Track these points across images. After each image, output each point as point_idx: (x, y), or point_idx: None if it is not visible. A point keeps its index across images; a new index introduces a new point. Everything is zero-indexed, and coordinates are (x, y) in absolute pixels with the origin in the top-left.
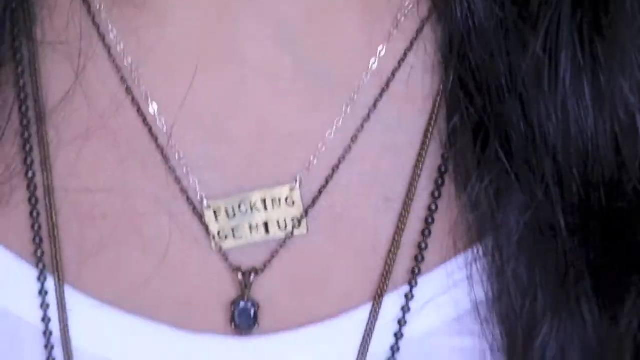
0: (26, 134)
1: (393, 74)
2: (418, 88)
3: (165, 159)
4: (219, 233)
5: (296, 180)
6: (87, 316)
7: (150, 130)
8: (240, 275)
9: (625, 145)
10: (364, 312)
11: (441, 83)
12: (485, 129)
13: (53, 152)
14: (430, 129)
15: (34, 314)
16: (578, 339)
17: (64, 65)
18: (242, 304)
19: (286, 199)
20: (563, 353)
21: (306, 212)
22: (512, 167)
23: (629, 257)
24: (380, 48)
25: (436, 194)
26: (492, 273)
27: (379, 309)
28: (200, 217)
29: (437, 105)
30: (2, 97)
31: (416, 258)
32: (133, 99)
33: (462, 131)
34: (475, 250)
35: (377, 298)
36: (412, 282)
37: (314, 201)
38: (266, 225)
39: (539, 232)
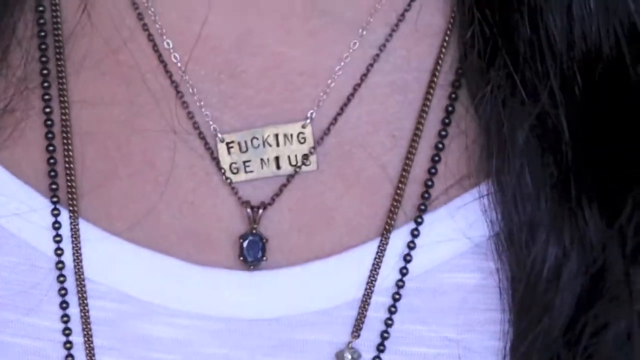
0: (44, 57)
1: (402, 13)
2: (427, 26)
3: (179, 93)
4: (230, 166)
5: (307, 117)
6: (99, 248)
7: (165, 65)
8: (249, 210)
9: (628, 50)
10: (371, 247)
11: (450, 18)
12: (493, 42)
13: (68, 84)
14: (438, 67)
15: (48, 246)
16: (578, 243)
17: None
18: (250, 237)
19: (298, 136)
20: (564, 257)
21: (315, 148)
22: (517, 74)
23: (628, 164)
24: None
25: (443, 132)
26: (500, 198)
27: (386, 244)
28: (212, 152)
29: (445, 43)
30: (21, 24)
31: (422, 195)
32: (149, 35)
33: (472, 54)
34: (483, 188)
35: (385, 234)
36: (417, 219)
37: (323, 138)
38: (277, 160)
39: (543, 137)
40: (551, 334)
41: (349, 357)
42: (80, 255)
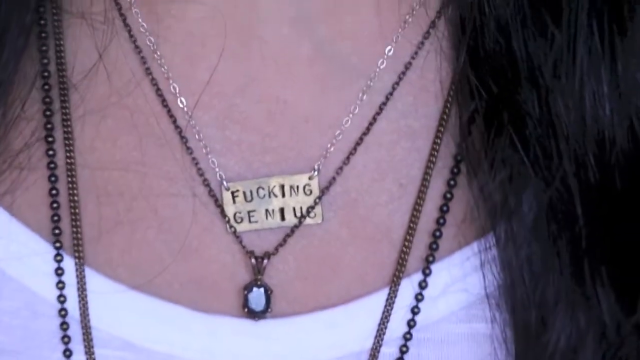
0: (48, 112)
1: (409, 60)
2: (433, 74)
3: (184, 139)
4: (234, 215)
5: (314, 169)
6: (102, 295)
7: (169, 110)
8: (253, 260)
9: None
10: (377, 298)
11: (457, 69)
12: (498, 116)
13: (73, 131)
14: (445, 116)
15: (50, 292)
16: (594, 328)
17: (87, 42)
18: (254, 289)
19: (304, 187)
20: (578, 342)
21: (321, 197)
22: (526, 154)
23: None
24: (395, 34)
25: (452, 182)
26: (505, 261)
27: (395, 295)
28: (216, 200)
29: (452, 91)
30: (26, 69)
31: (430, 246)
32: (152, 79)
33: (476, 119)
34: (489, 239)
35: (393, 284)
36: (425, 271)
37: (328, 187)
38: (282, 211)
39: (554, 219)
40: None
41: None
42: (87, 303)
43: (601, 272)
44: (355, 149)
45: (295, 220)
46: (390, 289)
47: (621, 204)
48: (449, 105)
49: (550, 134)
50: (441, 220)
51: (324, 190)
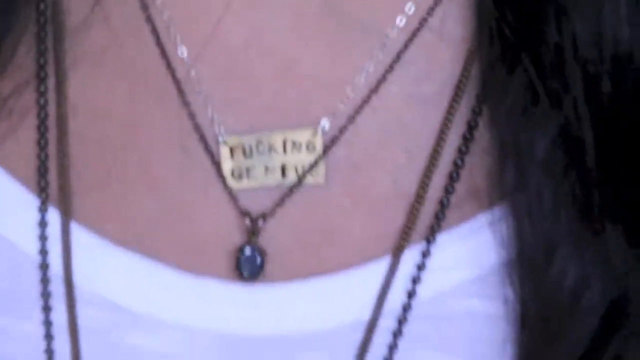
0: (42, 60)
1: (425, 20)
2: (450, 36)
3: (181, 92)
4: (232, 172)
5: (319, 125)
6: (88, 252)
7: (168, 61)
8: (248, 221)
9: None
10: (378, 266)
11: (474, 28)
12: (515, 49)
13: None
14: (464, 79)
15: (32, 245)
16: (601, 268)
17: None
18: (247, 250)
19: (307, 144)
20: (584, 282)
21: (324, 154)
22: (540, 83)
23: None
24: None
25: (463, 148)
26: (515, 229)
27: (397, 266)
28: (212, 156)
29: (470, 53)
30: (21, 14)
31: (436, 215)
32: (152, 27)
33: (495, 63)
34: (499, 209)
35: (395, 254)
36: (429, 239)
37: (332, 148)
38: (283, 168)
39: (565, 151)
40: None
41: None
42: (71, 258)
43: (611, 205)
44: (362, 107)
45: (295, 179)
46: (393, 259)
47: (633, 132)
48: (468, 66)
49: (566, 60)
50: (449, 189)
51: (327, 148)
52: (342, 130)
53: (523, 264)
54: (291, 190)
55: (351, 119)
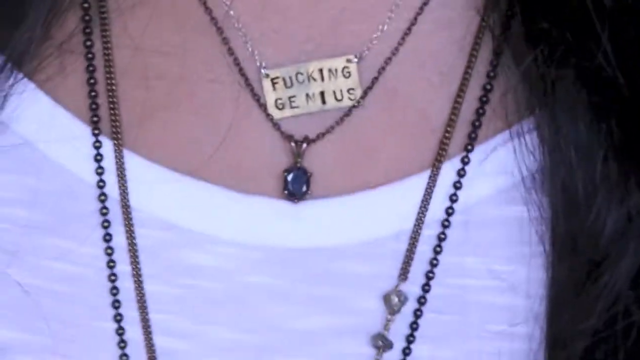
0: (86, 3)
1: None
2: None
3: (220, 30)
4: (276, 102)
5: (354, 54)
6: (141, 176)
7: (205, 1)
8: (292, 144)
9: None
10: (418, 179)
11: None
12: None
13: (111, 16)
14: (490, 4)
15: (90, 175)
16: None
17: None
18: (294, 171)
19: (343, 70)
20: (625, 228)
21: (360, 82)
22: (567, 25)
23: None
24: None
25: (492, 73)
26: (549, 140)
27: (436, 177)
28: (252, 88)
29: None
30: None
31: (469, 135)
32: None
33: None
34: (529, 122)
35: (434, 167)
36: (467, 148)
37: (368, 73)
38: (322, 95)
39: (596, 92)
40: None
41: (396, 300)
42: (126, 183)
43: None
44: (395, 32)
45: (335, 104)
46: (432, 171)
47: None
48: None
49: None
50: (480, 111)
51: (363, 74)
52: (377, 55)
53: (554, 171)
54: (332, 116)
55: (385, 44)
